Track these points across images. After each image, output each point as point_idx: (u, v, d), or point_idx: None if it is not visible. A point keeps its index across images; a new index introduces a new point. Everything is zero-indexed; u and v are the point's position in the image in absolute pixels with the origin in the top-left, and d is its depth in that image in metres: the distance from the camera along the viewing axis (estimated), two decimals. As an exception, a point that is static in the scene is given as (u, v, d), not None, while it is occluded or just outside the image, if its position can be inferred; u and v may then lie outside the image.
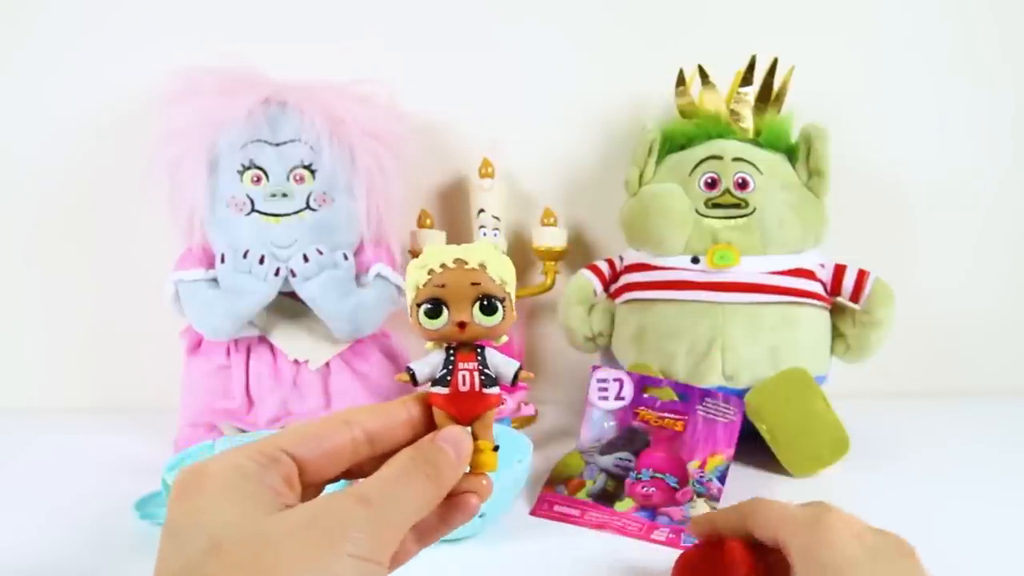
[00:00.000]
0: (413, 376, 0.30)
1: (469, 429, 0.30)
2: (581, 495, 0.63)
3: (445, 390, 0.30)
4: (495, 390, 0.30)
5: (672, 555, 0.46)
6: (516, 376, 0.31)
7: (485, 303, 0.29)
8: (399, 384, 0.79)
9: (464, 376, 0.30)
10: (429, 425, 0.30)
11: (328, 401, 0.74)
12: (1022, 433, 0.79)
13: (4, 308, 0.89)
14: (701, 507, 0.60)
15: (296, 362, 0.74)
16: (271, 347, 0.74)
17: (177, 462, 0.58)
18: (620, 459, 0.65)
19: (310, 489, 0.28)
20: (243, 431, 0.72)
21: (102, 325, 0.89)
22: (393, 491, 0.26)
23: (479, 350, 0.30)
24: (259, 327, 0.74)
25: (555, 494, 0.63)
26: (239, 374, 0.74)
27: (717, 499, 0.61)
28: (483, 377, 0.30)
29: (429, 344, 0.31)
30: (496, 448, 0.31)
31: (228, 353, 0.74)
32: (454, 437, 0.29)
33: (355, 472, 0.30)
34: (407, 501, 0.26)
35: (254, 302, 0.70)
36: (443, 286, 0.29)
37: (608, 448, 0.66)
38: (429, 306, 0.29)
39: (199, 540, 0.23)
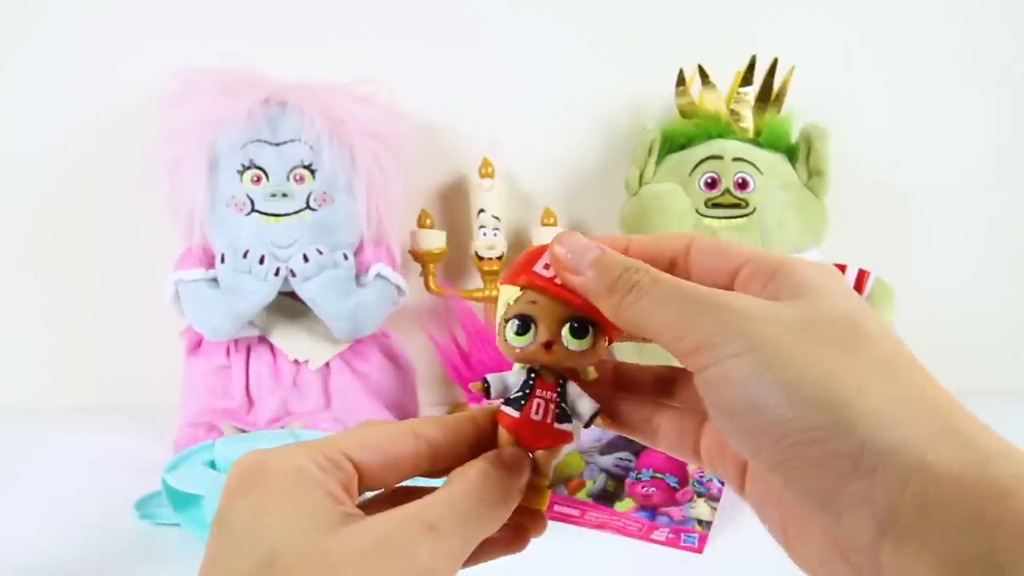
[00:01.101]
0: (487, 389, 0.29)
1: (531, 457, 0.29)
2: (581, 495, 0.63)
3: (516, 413, 0.28)
4: (568, 426, 0.29)
5: (673, 555, 0.45)
6: (593, 418, 0.29)
7: (575, 325, 0.27)
8: (400, 385, 0.79)
9: (539, 404, 0.28)
10: (494, 445, 0.29)
11: (328, 401, 0.74)
12: (1022, 433, 0.79)
13: (4, 308, 0.89)
14: (701, 507, 0.60)
15: (296, 362, 0.74)
16: (271, 347, 0.74)
17: (177, 462, 0.58)
18: (620, 459, 0.65)
19: (367, 494, 0.27)
20: (243, 431, 0.72)
21: (102, 325, 0.89)
22: (461, 520, 0.25)
23: (561, 381, 0.29)
24: (259, 327, 0.74)
25: (555, 494, 0.63)
26: (239, 374, 0.74)
27: (717, 499, 0.61)
28: (558, 410, 0.28)
29: (516, 365, 0.29)
30: (551, 487, 0.29)
31: (228, 353, 0.74)
32: (518, 462, 0.28)
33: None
34: (473, 530, 0.25)
35: (254, 302, 0.70)
36: (535, 303, 0.28)
37: (608, 448, 0.66)
38: (518, 322, 0.28)
39: (256, 549, 0.22)
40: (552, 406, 0.28)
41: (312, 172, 0.72)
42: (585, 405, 0.29)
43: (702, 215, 0.73)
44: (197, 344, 0.75)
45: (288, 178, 0.71)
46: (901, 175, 0.90)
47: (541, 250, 0.28)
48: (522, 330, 0.28)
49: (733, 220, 0.73)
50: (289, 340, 0.74)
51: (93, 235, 0.87)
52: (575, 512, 0.60)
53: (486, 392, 0.29)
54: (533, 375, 0.29)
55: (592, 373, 0.30)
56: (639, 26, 0.87)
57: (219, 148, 0.71)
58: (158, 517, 0.58)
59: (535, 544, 0.59)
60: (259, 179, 0.71)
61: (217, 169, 0.71)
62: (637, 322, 0.25)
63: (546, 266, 0.28)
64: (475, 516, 0.25)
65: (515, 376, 0.29)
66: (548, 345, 0.27)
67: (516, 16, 0.87)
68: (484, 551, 0.28)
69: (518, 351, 0.28)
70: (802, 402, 0.22)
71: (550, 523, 0.60)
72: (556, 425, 0.28)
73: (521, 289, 0.28)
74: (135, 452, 0.74)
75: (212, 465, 0.61)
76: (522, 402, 0.28)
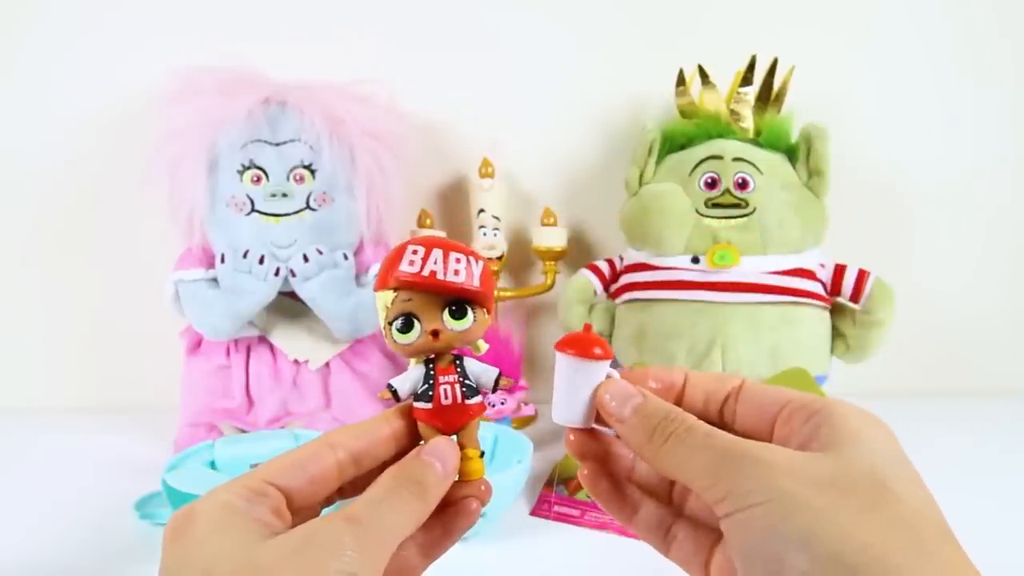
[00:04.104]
0: (395, 393, 0.30)
1: (455, 438, 0.30)
2: (581, 495, 0.63)
3: (428, 405, 0.30)
4: (477, 399, 0.31)
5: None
6: (496, 383, 0.31)
7: (454, 308, 0.29)
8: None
9: (446, 390, 0.30)
10: (413, 436, 0.31)
11: (328, 401, 0.74)
12: (1022, 433, 0.79)
13: (4, 308, 0.89)
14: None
15: (296, 362, 0.74)
16: (271, 347, 0.74)
17: (177, 462, 0.58)
18: (620, 459, 0.65)
19: (304, 513, 0.28)
20: (243, 431, 0.72)
21: (102, 325, 0.89)
22: (380, 510, 0.27)
23: (457, 361, 0.30)
24: (259, 327, 0.74)
25: (555, 494, 0.63)
26: (239, 374, 0.74)
27: (717, 499, 0.61)
28: (464, 388, 0.30)
29: (411, 361, 0.31)
30: (482, 454, 0.31)
31: (228, 353, 0.74)
32: (440, 450, 0.29)
33: (348, 491, 0.30)
34: (394, 518, 0.27)
35: (254, 302, 0.70)
36: (410, 300, 0.29)
37: (608, 448, 0.66)
38: (401, 320, 0.29)
39: (192, 575, 0.23)
40: (458, 387, 0.30)
41: (312, 172, 0.72)
42: (486, 375, 0.31)
43: (702, 215, 0.73)
44: (197, 344, 0.75)
45: (288, 178, 0.71)
46: (901, 175, 0.90)
47: (401, 250, 0.29)
48: (406, 327, 0.29)
49: (733, 220, 0.73)
50: (289, 340, 0.74)
51: (93, 235, 0.87)
52: (575, 512, 0.60)
53: (395, 396, 0.30)
54: (431, 365, 0.30)
55: (483, 345, 0.31)
56: (639, 26, 0.87)
57: (219, 148, 0.71)
58: (158, 517, 0.58)
59: (536, 544, 0.59)
60: (259, 179, 0.71)
61: (217, 169, 0.71)
62: (673, 469, 0.27)
63: (410, 263, 0.29)
64: (394, 506, 0.27)
65: (416, 371, 0.30)
66: (435, 333, 0.29)
67: (516, 17, 0.87)
68: (445, 533, 0.30)
69: (409, 347, 0.30)
70: (819, 557, 0.22)
71: (550, 523, 0.61)
72: (467, 402, 0.30)
73: (394, 291, 0.29)
74: (135, 452, 0.74)
75: (212, 465, 0.61)
76: (430, 393, 0.30)
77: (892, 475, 0.24)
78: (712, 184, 0.74)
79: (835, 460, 0.24)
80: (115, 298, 0.88)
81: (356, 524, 0.25)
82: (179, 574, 0.24)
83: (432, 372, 0.30)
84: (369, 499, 0.27)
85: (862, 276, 0.74)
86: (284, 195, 0.71)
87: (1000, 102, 0.89)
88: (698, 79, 0.78)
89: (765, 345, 0.70)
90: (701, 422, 0.27)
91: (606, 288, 0.81)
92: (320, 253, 0.71)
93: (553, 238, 0.83)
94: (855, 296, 0.74)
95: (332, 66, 0.75)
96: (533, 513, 0.61)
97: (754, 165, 0.73)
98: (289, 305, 0.74)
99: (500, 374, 0.31)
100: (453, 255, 0.29)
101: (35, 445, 0.78)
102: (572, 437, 0.32)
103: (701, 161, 0.74)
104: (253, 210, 0.71)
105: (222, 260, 0.70)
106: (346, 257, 0.73)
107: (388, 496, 0.27)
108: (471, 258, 0.30)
